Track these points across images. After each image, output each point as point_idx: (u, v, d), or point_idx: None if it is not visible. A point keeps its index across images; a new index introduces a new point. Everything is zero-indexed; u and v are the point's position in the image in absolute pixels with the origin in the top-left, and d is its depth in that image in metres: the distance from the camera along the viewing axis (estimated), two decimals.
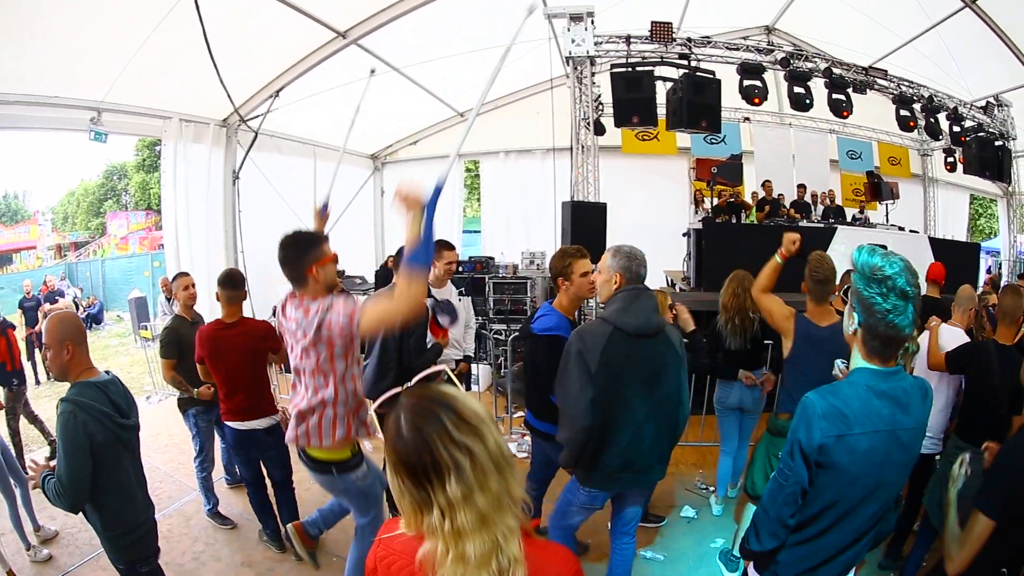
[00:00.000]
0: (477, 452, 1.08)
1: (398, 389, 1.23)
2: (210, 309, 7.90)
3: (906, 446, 1.75)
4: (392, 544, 1.25)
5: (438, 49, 8.86)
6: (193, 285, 4.85)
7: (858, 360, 1.79)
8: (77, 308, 17.67)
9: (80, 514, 2.55)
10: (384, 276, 8.85)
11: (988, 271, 13.38)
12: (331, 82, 8.89)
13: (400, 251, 4.17)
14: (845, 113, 8.33)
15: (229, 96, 7.70)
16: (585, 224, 6.54)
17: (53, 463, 2.52)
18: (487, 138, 12.09)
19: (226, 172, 9.39)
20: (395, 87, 9.65)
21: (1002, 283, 12.90)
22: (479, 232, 13.60)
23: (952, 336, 3.80)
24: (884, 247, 1.76)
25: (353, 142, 10.95)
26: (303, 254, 2.71)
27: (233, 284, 3.99)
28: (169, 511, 4.77)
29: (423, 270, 2.33)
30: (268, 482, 4.23)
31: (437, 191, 2.29)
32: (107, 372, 2.66)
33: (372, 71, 5.64)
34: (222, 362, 3.91)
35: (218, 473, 5.06)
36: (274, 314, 8.18)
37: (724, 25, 10.47)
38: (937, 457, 3.69)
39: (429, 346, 4.15)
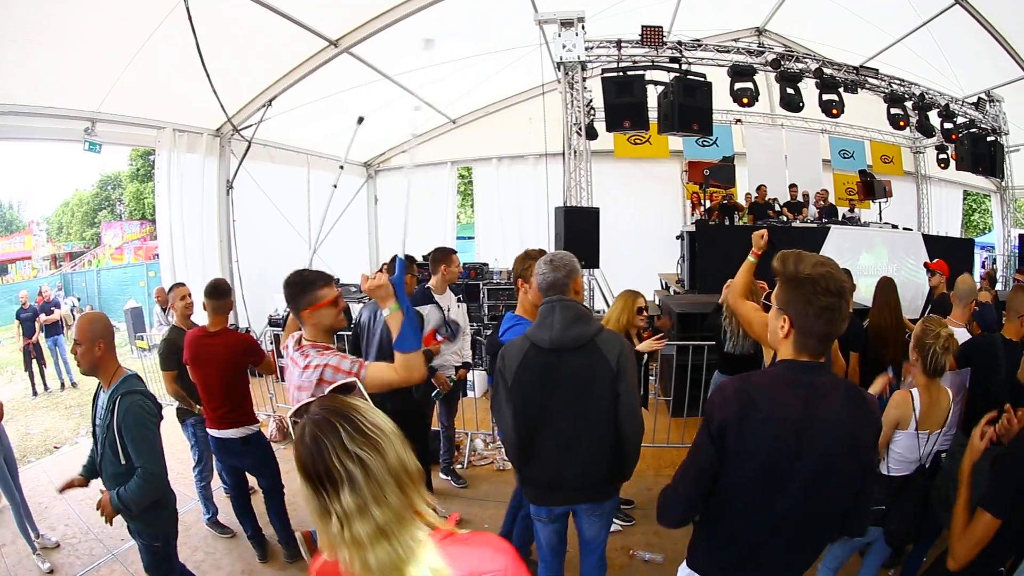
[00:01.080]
0: (372, 465, 1.08)
1: (309, 400, 1.22)
2: (206, 319, 7.95)
3: (824, 442, 1.67)
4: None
5: (429, 57, 8.87)
6: (190, 295, 4.85)
7: (782, 353, 1.77)
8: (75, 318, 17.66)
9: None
10: None
11: (983, 266, 13.43)
12: (324, 91, 8.94)
13: (393, 259, 4.14)
14: (835, 111, 8.39)
15: (222, 106, 7.70)
16: (578, 229, 6.57)
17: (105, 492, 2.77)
18: (480, 144, 12.18)
19: (220, 181, 9.41)
20: (387, 95, 9.69)
21: (998, 277, 12.99)
22: (473, 238, 13.70)
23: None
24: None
25: (342, 150, 11.00)
26: (297, 297, 2.66)
27: (218, 294, 4.03)
28: None
29: (415, 352, 2.41)
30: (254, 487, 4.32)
31: (399, 279, 2.46)
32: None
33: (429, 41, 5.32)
34: (200, 369, 3.99)
35: (217, 482, 5.04)
36: (270, 324, 8.18)
37: (715, 28, 10.55)
38: (943, 455, 3.68)
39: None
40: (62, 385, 10.68)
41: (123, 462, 2.68)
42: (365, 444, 1.09)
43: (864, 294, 5.96)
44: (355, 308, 10.11)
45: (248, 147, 9.23)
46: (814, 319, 1.67)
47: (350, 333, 4.59)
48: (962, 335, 3.74)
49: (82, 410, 8.92)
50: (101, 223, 31.85)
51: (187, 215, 8.74)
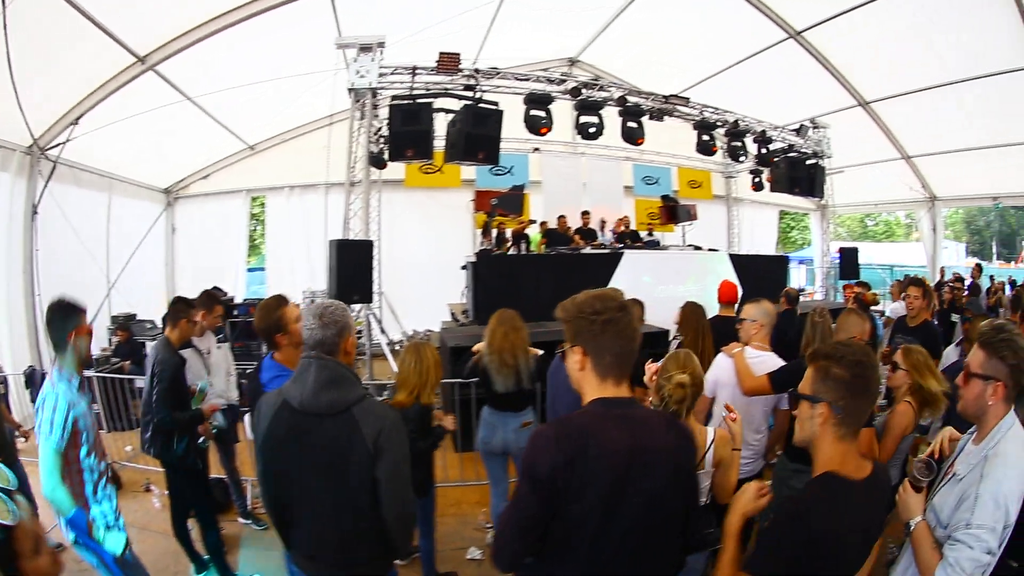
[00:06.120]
0: None
1: None
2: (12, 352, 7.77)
3: (653, 470, 1.72)
4: None
5: (232, 79, 8.62)
6: None
7: (591, 393, 1.80)
8: None
9: None
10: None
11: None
12: (129, 111, 8.53)
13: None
14: (640, 140, 8.60)
15: (25, 119, 7.24)
16: (351, 263, 6.41)
17: None
18: (275, 173, 11.74)
19: (26, 206, 8.76)
20: (189, 118, 9.34)
21: (817, 287, 13.84)
22: (264, 270, 13.27)
23: (761, 359, 3.57)
24: None
25: (145, 174, 10.45)
26: (67, 319, 2.76)
27: None
28: None
29: None
30: None
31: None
32: None
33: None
34: None
35: None
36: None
37: (526, 58, 10.76)
38: (768, 483, 3.57)
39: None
40: None
41: None
42: None
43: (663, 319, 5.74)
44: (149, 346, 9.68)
45: (53, 168, 8.65)
46: (601, 335, 1.76)
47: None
48: (771, 358, 3.60)
49: None
50: None
51: None
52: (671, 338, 4.61)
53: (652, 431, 1.77)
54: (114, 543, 2.81)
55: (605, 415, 1.75)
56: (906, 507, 2.06)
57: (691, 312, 4.57)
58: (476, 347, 4.52)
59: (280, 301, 3.25)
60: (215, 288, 9.00)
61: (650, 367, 2.99)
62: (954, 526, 1.94)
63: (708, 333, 4.45)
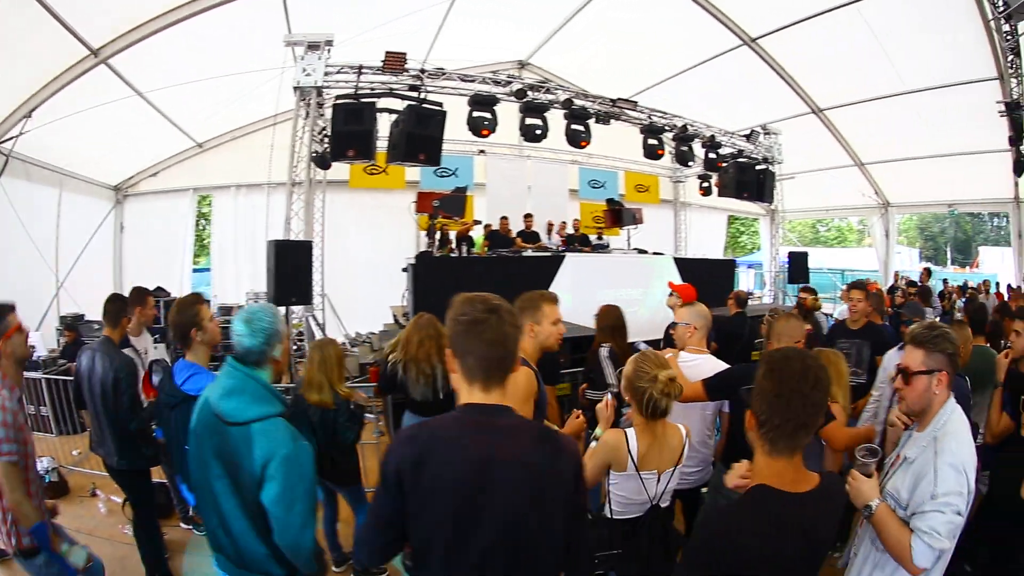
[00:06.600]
0: None
1: None
2: None
3: (514, 484, 1.62)
4: None
5: (183, 74, 8.62)
6: None
7: (462, 397, 1.73)
8: None
9: None
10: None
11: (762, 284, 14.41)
12: (81, 105, 8.51)
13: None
14: (583, 143, 8.70)
15: None
16: (290, 264, 6.40)
17: None
18: (223, 171, 11.60)
19: None
20: (139, 114, 9.32)
21: (767, 291, 14.00)
22: (209, 270, 13.00)
23: (697, 363, 3.45)
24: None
25: (95, 171, 10.32)
26: None
27: None
28: None
29: None
30: None
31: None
32: None
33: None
34: None
35: None
36: None
37: (476, 59, 10.85)
38: (703, 490, 3.43)
39: (145, 405, 3.90)
40: None
41: None
42: None
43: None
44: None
45: (6, 162, 8.60)
46: (465, 336, 1.66)
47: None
48: (710, 360, 3.51)
49: None
50: None
51: None
52: (599, 346, 4.53)
53: (516, 443, 1.67)
54: (76, 556, 2.81)
55: (464, 422, 1.69)
56: (859, 493, 2.07)
57: (607, 314, 4.45)
58: (387, 347, 4.48)
59: (197, 298, 3.32)
60: (158, 288, 8.98)
61: (602, 403, 2.79)
62: (918, 502, 2.02)
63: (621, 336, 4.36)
